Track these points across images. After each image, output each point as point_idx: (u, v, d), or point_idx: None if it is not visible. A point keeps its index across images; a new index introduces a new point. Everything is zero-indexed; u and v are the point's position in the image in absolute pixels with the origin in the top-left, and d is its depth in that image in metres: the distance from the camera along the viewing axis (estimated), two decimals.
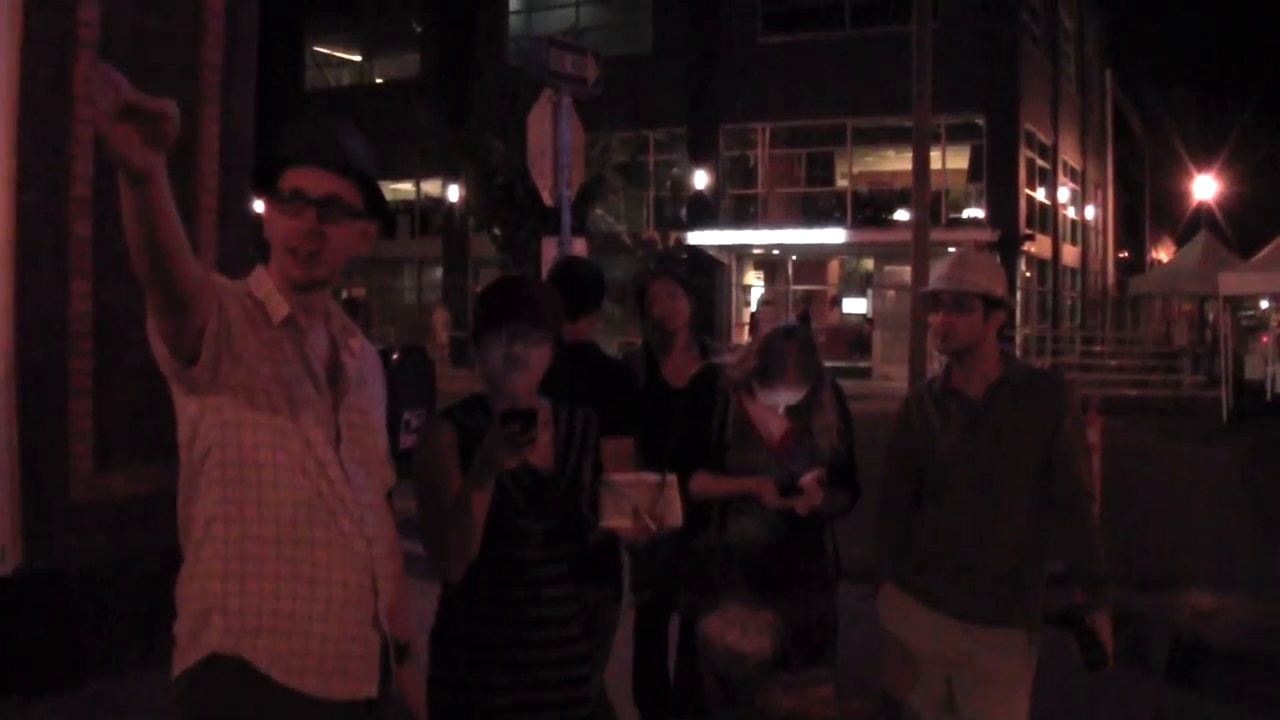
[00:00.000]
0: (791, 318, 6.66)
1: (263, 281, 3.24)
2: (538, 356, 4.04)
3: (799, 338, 5.13)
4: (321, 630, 3.14)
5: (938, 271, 5.01)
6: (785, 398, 5.09)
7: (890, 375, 35.82)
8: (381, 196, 3.37)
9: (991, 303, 4.84)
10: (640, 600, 6.05)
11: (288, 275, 3.23)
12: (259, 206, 3.30)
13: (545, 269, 13.22)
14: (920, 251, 19.76)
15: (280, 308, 3.20)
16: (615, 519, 4.06)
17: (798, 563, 5.15)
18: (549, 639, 4.10)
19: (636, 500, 4.06)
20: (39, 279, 6.98)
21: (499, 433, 3.71)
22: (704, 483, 5.14)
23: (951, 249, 5.16)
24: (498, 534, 3.90)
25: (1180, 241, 54.08)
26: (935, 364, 5.17)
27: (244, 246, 8.20)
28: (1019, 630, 4.81)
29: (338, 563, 3.17)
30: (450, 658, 4.03)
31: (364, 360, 3.48)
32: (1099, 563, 4.79)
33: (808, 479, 4.91)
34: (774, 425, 5.20)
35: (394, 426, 11.05)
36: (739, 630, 4.83)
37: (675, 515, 4.09)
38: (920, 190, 21.12)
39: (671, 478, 4.15)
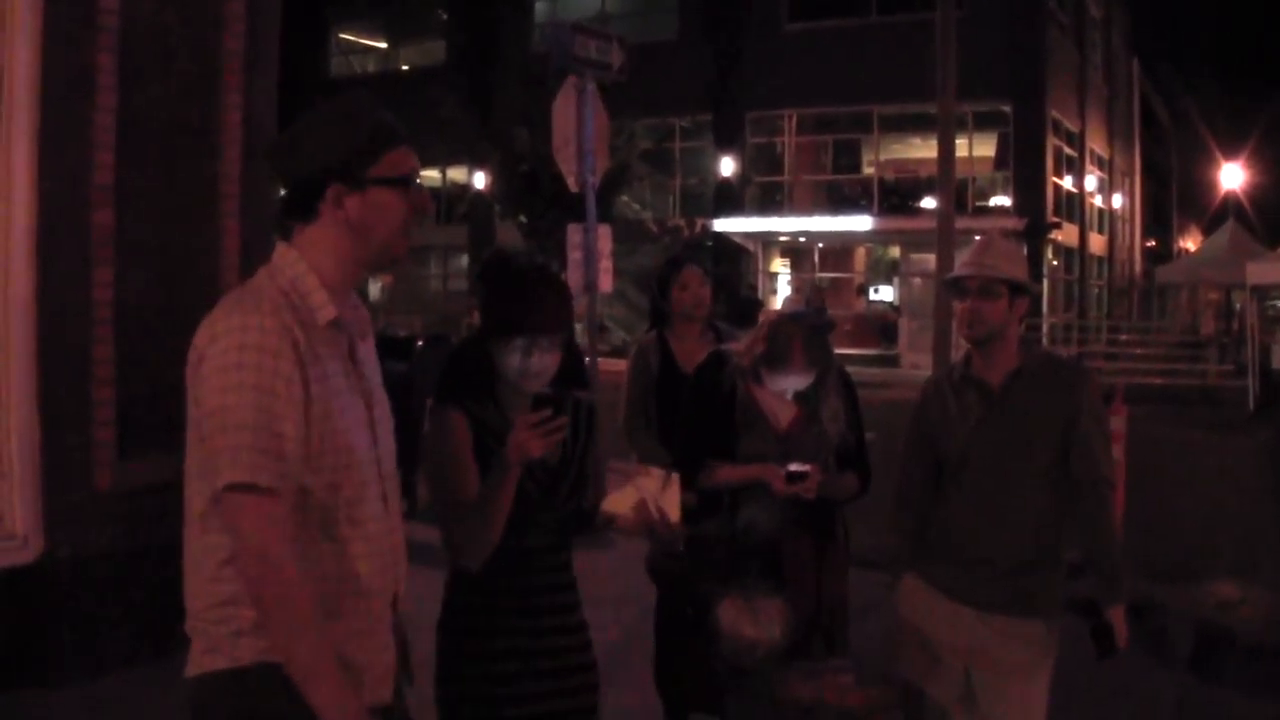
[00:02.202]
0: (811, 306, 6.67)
1: (304, 275, 3.13)
2: (552, 361, 4.06)
3: (805, 324, 5.12)
4: (356, 634, 3.11)
5: (963, 258, 4.96)
6: (792, 383, 5.10)
7: (917, 363, 35.71)
8: None
9: (1016, 289, 4.82)
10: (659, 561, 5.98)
11: (397, 253, 3.22)
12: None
13: (570, 256, 13.27)
14: (945, 239, 19.61)
15: (326, 309, 3.11)
16: (619, 507, 4.09)
17: (808, 550, 5.15)
18: (557, 626, 4.14)
19: (642, 492, 4.08)
20: (61, 268, 7.00)
21: (531, 420, 3.72)
22: (715, 471, 5.13)
23: (978, 237, 5.17)
24: (511, 524, 3.90)
25: (1207, 230, 53.79)
26: (960, 352, 5.18)
27: (266, 233, 8.20)
28: (1037, 620, 4.80)
29: (374, 570, 3.13)
30: (461, 650, 4.03)
31: (367, 334, 3.37)
32: (1114, 553, 4.76)
33: (800, 466, 4.91)
34: (782, 412, 5.19)
35: (419, 413, 11.06)
36: (750, 618, 4.83)
37: (675, 511, 4.11)
38: (945, 178, 20.99)
39: (674, 475, 4.16)
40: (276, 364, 2.94)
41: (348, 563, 3.08)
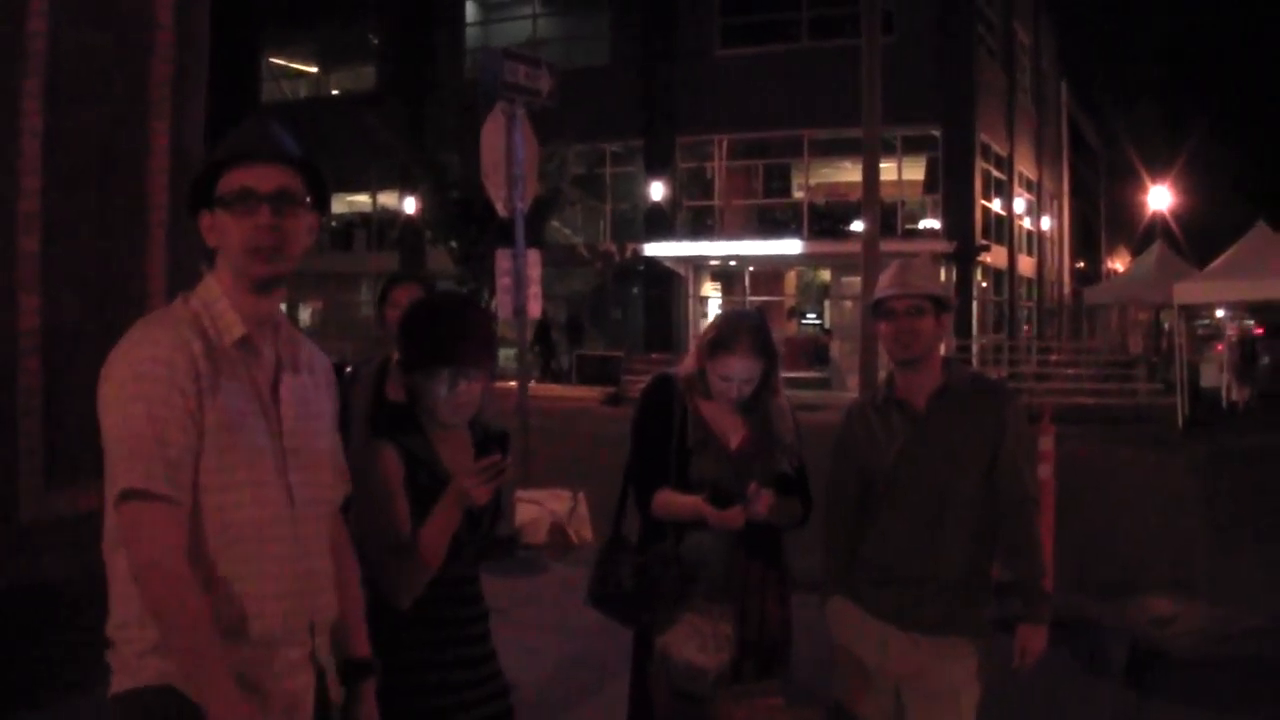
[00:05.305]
0: None
1: (217, 299, 3.16)
2: (479, 391, 4.04)
3: (752, 317, 5.14)
4: (248, 662, 3.07)
5: (884, 280, 4.96)
6: (738, 370, 4.99)
7: (848, 386, 35.85)
8: (325, 183, 3.33)
9: (940, 306, 4.84)
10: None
11: (252, 276, 3.17)
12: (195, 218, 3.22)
13: (499, 282, 13.27)
14: (870, 263, 19.74)
15: (234, 328, 3.13)
16: (534, 534, 4.07)
17: (753, 574, 5.12)
18: (475, 656, 4.12)
19: (553, 516, 4.08)
20: None
21: (478, 467, 3.73)
22: (664, 504, 5.03)
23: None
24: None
25: (1136, 252, 54.34)
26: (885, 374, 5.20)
27: (195, 262, 8.13)
28: (966, 639, 4.81)
29: (271, 598, 3.11)
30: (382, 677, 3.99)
31: (311, 374, 3.38)
32: (1038, 573, 4.81)
33: (751, 487, 4.87)
34: (733, 432, 5.13)
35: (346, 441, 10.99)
36: (697, 644, 4.80)
37: (587, 529, 4.12)
38: (870, 203, 21.17)
39: (581, 494, 4.16)
40: (171, 376, 2.99)
41: (235, 589, 3.07)
